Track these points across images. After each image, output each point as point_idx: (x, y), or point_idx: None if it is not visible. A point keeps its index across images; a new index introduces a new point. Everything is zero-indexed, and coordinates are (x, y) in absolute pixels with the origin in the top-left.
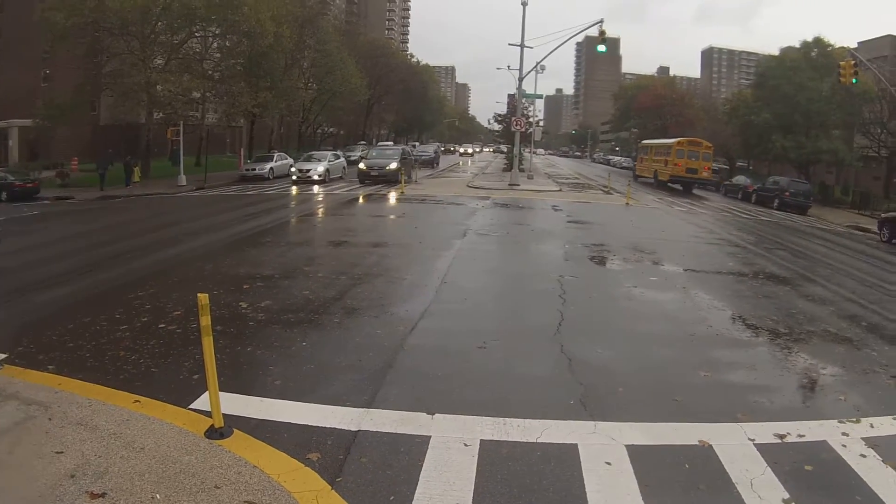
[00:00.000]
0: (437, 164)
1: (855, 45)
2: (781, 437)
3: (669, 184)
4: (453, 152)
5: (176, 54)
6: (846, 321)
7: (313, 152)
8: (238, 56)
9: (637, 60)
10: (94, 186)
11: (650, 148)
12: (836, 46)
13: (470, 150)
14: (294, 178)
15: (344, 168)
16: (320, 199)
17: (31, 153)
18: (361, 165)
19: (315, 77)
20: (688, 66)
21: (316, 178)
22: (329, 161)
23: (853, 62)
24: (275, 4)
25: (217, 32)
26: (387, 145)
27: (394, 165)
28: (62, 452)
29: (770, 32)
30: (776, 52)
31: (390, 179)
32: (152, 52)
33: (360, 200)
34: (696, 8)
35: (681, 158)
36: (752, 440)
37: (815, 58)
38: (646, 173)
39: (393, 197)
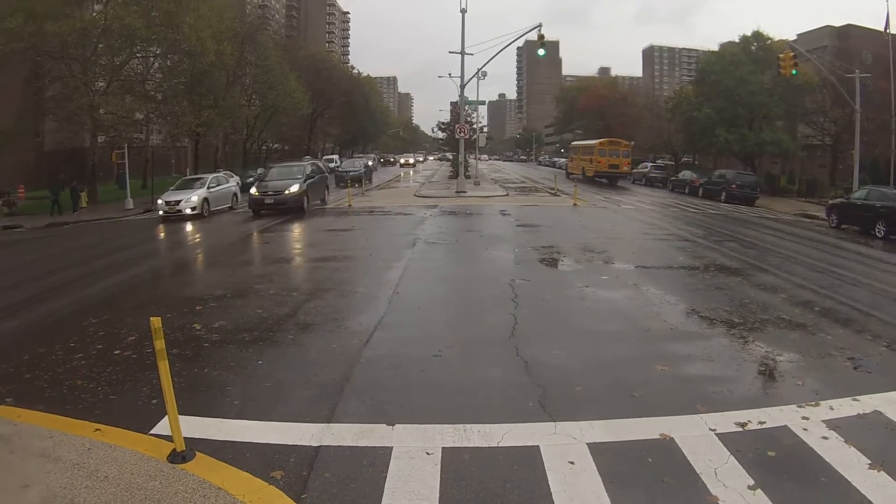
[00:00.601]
0: (370, 180)
1: (794, 38)
2: (742, 425)
3: (595, 178)
4: (394, 163)
5: (117, 76)
6: (799, 307)
7: (193, 176)
8: (180, 75)
9: (579, 63)
10: (42, 214)
11: (578, 148)
12: (776, 39)
13: (412, 160)
14: (161, 212)
15: (236, 195)
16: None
17: None
18: (253, 191)
19: (257, 93)
20: (629, 66)
21: (189, 212)
22: (210, 187)
23: (792, 54)
24: (215, 22)
25: (158, 52)
26: (289, 164)
27: (295, 188)
28: (28, 486)
29: (710, 30)
30: (716, 49)
31: (291, 207)
32: (94, 74)
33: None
34: (635, 10)
35: (603, 156)
36: (714, 430)
37: (754, 51)
38: (576, 171)
39: (293, 230)
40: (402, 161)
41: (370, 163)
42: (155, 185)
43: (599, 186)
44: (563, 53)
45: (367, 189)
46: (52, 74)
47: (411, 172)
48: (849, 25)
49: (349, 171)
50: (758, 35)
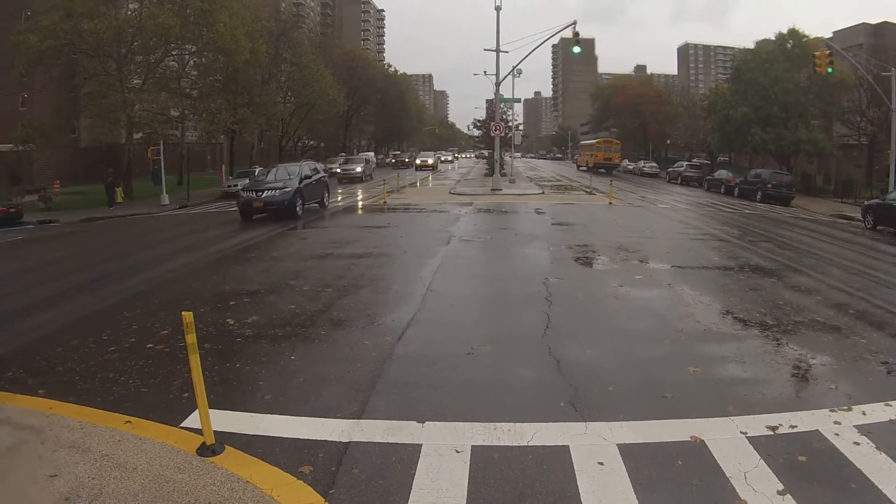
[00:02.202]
0: (371, 176)
1: (830, 35)
2: (773, 428)
3: (595, 169)
4: (406, 164)
5: (153, 74)
6: (834, 310)
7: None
8: (215, 73)
9: (614, 61)
10: (77, 209)
11: (584, 147)
12: (811, 37)
13: (430, 161)
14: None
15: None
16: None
17: (12, 178)
18: (242, 192)
19: (292, 90)
20: (664, 65)
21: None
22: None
23: (828, 52)
24: (249, 20)
25: (193, 50)
26: (286, 165)
27: (287, 190)
28: (56, 476)
29: (745, 27)
30: (751, 46)
31: (283, 210)
32: (129, 72)
33: None
34: (672, 7)
35: (600, 153)
36: (745, 433)
37: (790, 49)
38: (583, 164)
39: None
40: (419, 161)
41: (360, 167)
42: (191, 182)
43: (635, 185)
44: (599, 51)
45: (401, 186)
46: (88, 72)
47: (430, 182)
48: (885, 23)
49: (349, 172)
50: (793, 33)
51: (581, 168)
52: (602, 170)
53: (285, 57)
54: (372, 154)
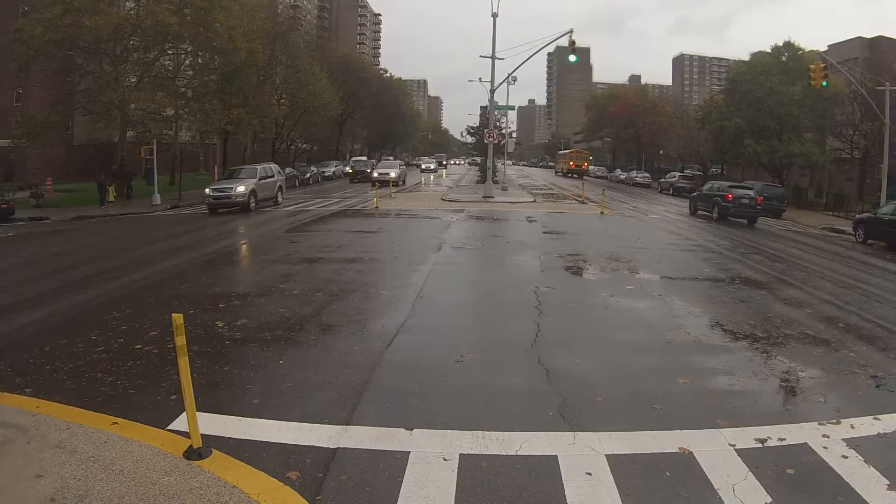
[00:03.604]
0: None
1: (825, 49)
2: (762, 441)
3: (568, 174)
4: (365, 178)
5: (149, 72)
6: (823, 323)
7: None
8: (210, 73)
9: (609, 70)
10: (69, 207)
11: (561, 156)
12: (807, 50)
13: (393, 174)
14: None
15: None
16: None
17: (4, 174)
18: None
19: (287, 92)
20: (659, 75)
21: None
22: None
23: (823, 65)
24: (246, 20)
25: (189, 50)
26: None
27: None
28: (42, 476)
29: (744, 40)
30: (747, 58)
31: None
32: (125, 70)
33: None
34: (672, 20)
35: (573, 161)
36: (733, 445)
37: (785, 62)
38: (559, 170)
39: None
40: (379, 174)
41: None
42: (183, 182)
43: (627, 195)
44: (594, 60)
45: (395, 191)
46: (84, 69)
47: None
48: (880, 37)
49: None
50: (789, 45)
51: (558, 174)
52: (574, 175)
53: (281, 59)
54: (365, 158)
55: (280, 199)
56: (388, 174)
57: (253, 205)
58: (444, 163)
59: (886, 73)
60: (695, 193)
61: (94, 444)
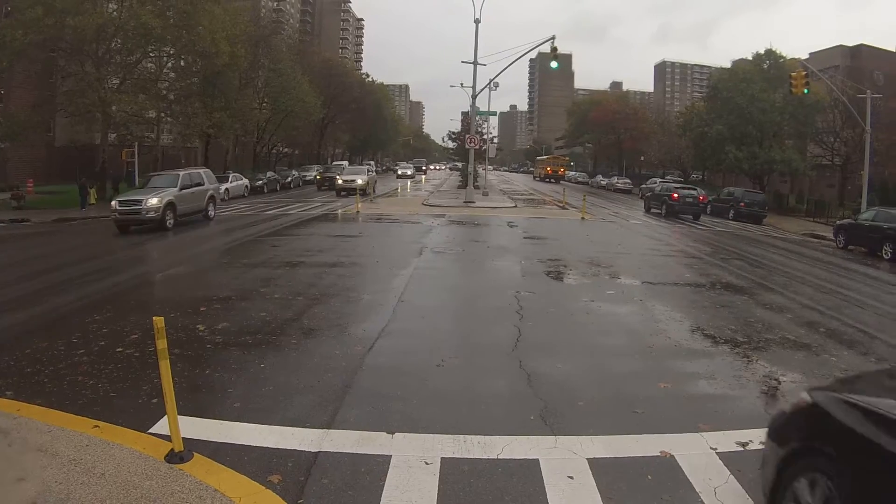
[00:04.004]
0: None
1: (806, 56)
2: (744, 445)
3: (545, 178)
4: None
5: (131, 74)
6: (804, 328)
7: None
8: (193, 76)
9: (590, 77)
10: (49, 209)
11: (539, 161)
12: (788, 58)
13: (360, 181)
14: None
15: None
16: None
17: None
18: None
19: (269, 96)
20: (641, 82)
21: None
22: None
23: (804, 73)
24: (229, 24)
25: (171, 52)
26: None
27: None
28: (24, 479)
29: (726, 49)
30: (729, 66)
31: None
32: (107, 72)
33: None
34: (655, 29)
35: (550, 167)
36: (714, 449)
37: (767, 69)
38: (538, 175)
39: None
40: (343, 181)
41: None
42: None
43: (609, 201)
44: (576, 66)
45: (375, 196)
46: (66, 70)
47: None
48: (861, 45)
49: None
50: (770, 53)
51: (536, 178)
52: (551, 179)
53: (263, 63)
54: (346, 163)
55: (212, 213)
56: (353, 181)
57: (170, 221)
58: (424, 168)
59: (867, 81)
60: (648, 194)
61: (75, 448)
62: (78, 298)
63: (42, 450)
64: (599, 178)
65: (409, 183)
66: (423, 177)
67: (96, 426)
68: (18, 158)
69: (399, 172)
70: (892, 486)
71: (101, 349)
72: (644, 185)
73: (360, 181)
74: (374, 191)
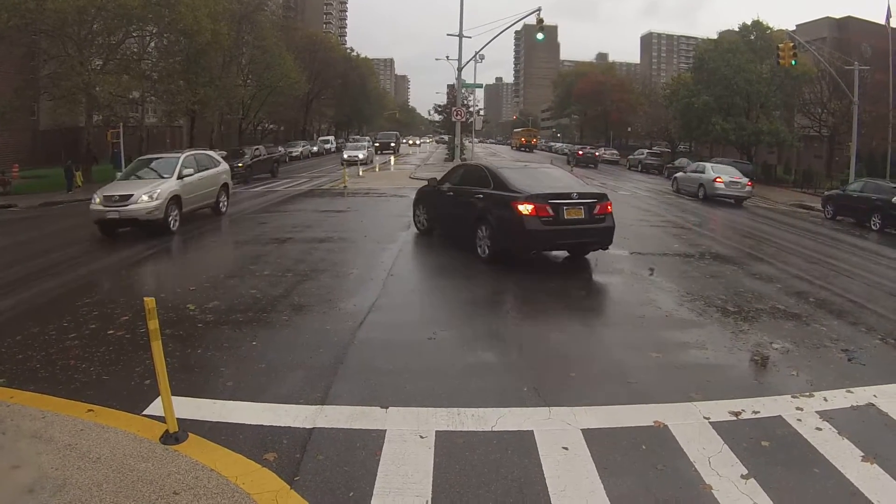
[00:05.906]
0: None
1: (793, 28)
2: (736, 414)
3: (520, 149)
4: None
5: (114, 55)
6: (794, 298)
7: None
8: (176, 55)
9: (576, 48)
10: (36, 193)
11: (515, 133)
12: (775, 29)
13: (351, 155)
14: None
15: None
16: None
17: None
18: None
19: (254, 73)
20: (627, 54)
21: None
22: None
23: (792, 44)
24: (211, 2)
25: (154, 31)
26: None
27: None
28: (19, 467)
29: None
30: (715, 37)
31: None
32: (90, 53)
33: None
34: (642, 3)
35: (524, 137)
36: (708, 419)
37: (753, 41)
38: (514, 145)
39: None
40: (348, 155)
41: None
42: None
43: (596, 172)
44: (562, 39)
45: (363, 170)
46: (48, 53)
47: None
48: (848, 17)
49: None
50: (757, 24)
51: (513, 148)
52: (524, 149)
53: (247, 39)
54: (332, 138)
55: (223, 206)
56: (356, 155)
57: (174, 223)
58: (394, 144)
59: (854, 53)
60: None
61: (70, 433)
62: (67, 282)
63: (36, 436)
64: (588, 148)
65: (391, 158)
66: (392, 158)
67: (90, 410)
68: (3, 143)
69: (346, 156)
70: (434, 203)
71: (91, 332)
72: (631, 157)
73: (361, 155)
74: (372, 161)
